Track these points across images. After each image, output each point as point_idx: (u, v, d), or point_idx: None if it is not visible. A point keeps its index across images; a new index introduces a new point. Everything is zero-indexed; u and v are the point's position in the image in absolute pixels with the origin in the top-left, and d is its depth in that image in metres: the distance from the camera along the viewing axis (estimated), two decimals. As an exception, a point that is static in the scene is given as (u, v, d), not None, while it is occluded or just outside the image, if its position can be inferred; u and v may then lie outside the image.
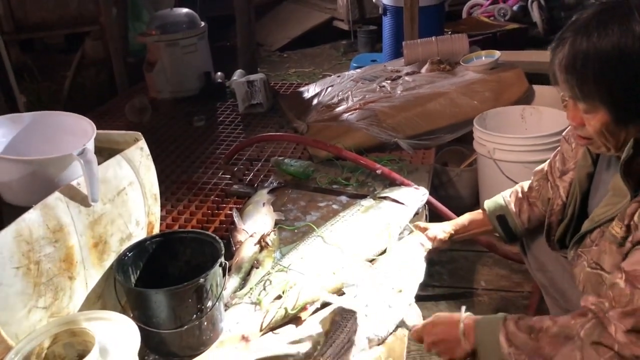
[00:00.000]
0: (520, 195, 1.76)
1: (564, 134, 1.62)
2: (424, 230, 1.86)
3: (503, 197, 1.79)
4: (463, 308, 1.43)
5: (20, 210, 1.39)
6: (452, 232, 1.84)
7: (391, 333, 1.56)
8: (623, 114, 1.22)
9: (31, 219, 1.36)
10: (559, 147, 1.64)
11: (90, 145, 1.56)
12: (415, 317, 1.58)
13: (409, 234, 1.93)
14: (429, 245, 1.81)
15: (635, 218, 1.19)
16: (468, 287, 2.45)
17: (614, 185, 1.28)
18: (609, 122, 1.23)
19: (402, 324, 1.58)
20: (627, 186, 1.23)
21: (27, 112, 1.73)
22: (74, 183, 1.51)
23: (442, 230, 1.84)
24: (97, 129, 1.66)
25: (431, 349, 1.42)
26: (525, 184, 1.79)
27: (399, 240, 1.89)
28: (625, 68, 1.17)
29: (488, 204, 1.81)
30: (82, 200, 1.51)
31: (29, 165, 1.53)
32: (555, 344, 1.19)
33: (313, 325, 1.57)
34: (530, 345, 1.22)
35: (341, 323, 1.53)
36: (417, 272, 1.73)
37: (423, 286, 2.43)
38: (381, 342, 1.53)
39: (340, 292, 1.68)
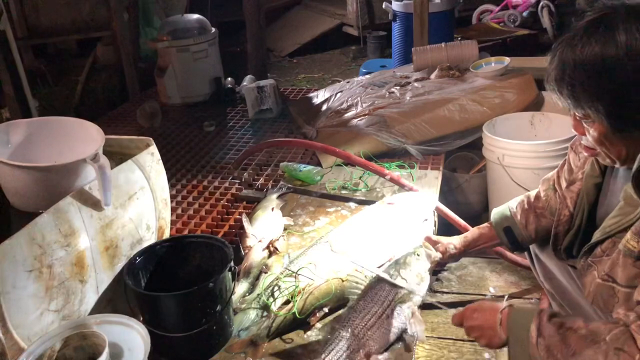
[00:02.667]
0: (526, 206, 1.74)
1: (571, 143, 1.61)
2: (434, 243, 1.82)
3: (509, 208, 1.77)
4: (505, 297, 1.44)
5: (28, 216, 1.41)
6: (462, 248, 1.82)
7: (394, 341, 1.56)
8: (617, 123, 1.22)
9: (43, 222, 1.38)
10: (566, 157, 1.63)
11: (101, 150, 1.58)
12: (417, 324, 1.58)
13: (419, 246, 1.81)
14: (437, 256, 1.77)
15: None
16: (477, 294, 2.44)
17: (625, 195, 1.28)
18: (606, 132, 1.25)
19: (405, 332, 1.58)
20: (639, 197, 1.23)
21: (31, 118, 1.73)
22: (86, 187, 1.53)
23: (453, 246, 1.82)
24: (108, 133, 1.68)
25: (470, 333, 1.44)
26: (532, 194, 1.77)
27: (409, 255, 1.79)
28: (611, 77, 1.18)
29: (494, 216, 1.80)
30: (93, 204, 1.53)
31: (41, 172, 1.54)
32: (582, 344, 1.19)
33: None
34: (556, 339, 1.22)
35: (340, 329, 1.53)
36: (421, 283, 1.69)
37: (432, 293, 2.45)
38: (382, 349, 1.53)
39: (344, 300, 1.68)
